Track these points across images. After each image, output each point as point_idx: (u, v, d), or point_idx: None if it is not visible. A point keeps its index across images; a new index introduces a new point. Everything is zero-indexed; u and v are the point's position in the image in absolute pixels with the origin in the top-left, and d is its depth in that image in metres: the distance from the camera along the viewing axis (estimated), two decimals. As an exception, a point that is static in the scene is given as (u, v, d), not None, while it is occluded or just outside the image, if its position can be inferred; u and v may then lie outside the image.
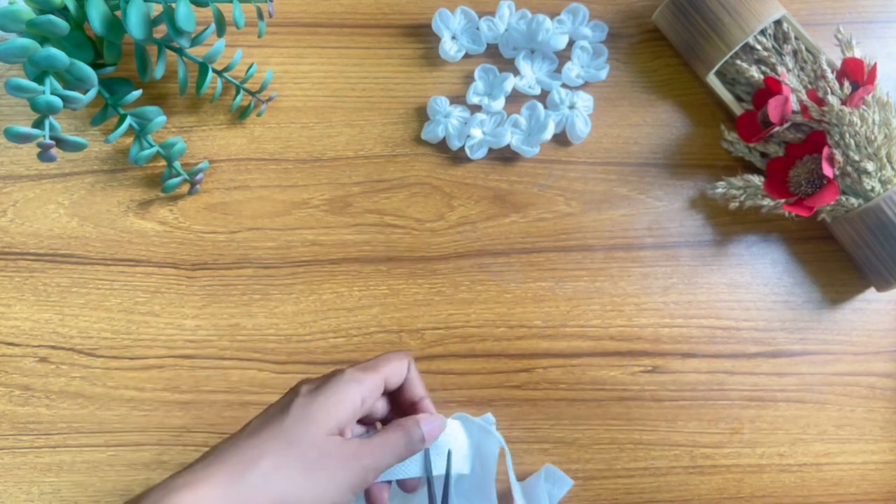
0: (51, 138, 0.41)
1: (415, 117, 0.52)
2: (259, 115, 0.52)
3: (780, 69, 0.49)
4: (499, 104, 0.51)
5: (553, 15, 0.53)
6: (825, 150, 0.46)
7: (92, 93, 0.44)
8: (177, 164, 0.49)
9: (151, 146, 0.48)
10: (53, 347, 0.48)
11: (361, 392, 0.36)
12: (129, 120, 0.47)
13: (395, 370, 0.38)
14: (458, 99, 0.52)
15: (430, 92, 0.52)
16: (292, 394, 0.36)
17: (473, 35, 0.53)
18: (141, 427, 0.48)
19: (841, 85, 0.47)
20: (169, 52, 0.51)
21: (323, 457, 0.34)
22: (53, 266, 0.49)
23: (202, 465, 0.32)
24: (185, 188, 0.50)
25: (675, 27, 0.51)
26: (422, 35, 0.53)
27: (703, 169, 0.52)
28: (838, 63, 0.48)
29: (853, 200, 0.47)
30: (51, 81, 0.41)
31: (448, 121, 0.51)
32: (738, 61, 0.50)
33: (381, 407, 0.40)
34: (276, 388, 0.48)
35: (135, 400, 0.48)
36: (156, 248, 0.50)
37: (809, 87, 0.49)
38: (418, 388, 0.39)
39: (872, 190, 0.46)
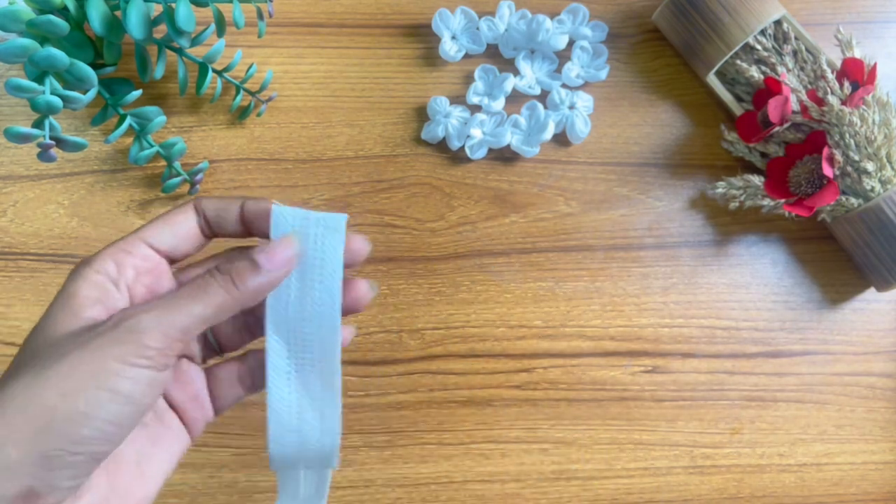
0: (51, 138, 0.41)
1: (415, 117, 0.52)
2: (259, 115, 0.52)
3: (780, 69, 0.49)
4: (499, 104, 0.51)
5: (553, 15, 0.53)
6: (825, 150, 0.46)
7: (92, 93, 0.44)
8: (177, 164, 0.49)
9: (151, 146, 0.48)
10: (53, 347, 0.48)
11: (99, 267, 0.26)
12: (129, 120, 0.47)
13: (165, 225, 0.28)
14: (458, 99, 0.52)
15: (430, 92, 0.52)
16: None
17: (473, 35, 0.53)
18: (141, 427, 0.48)
19: (841, 85, 0.47)
20: (169, 52, 0.51)
21: (56, 354, 0.24)
22: (53, 266, 0.49)
23: None
24: (185, 188, 0.50)
25: (675, 27, 0.51)
26: (422, 35, 0.53)
27: (703, 169, 0.52)
28: (838, 63, 0.48)
29: (853, 200, 0.47)
30: (51, 81, 0.41)
31: (448, 121, 0.51)
32: (738, 61, 0.50)
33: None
34: (276, 388, 0.48)
35: (135, 400, 0.48)
36: (156, 248, 0.50)
37: (809, 87, 0.49)
38: (231, 211, 0.29)
39: (872, 190, 0.46)
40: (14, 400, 0.23)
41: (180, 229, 0.28)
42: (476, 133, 0.51)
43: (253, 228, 0.29)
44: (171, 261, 0.29)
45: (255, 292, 0.27)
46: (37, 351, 0.24)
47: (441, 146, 0.52)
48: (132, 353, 0.23)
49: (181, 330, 0.25)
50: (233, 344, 0.32)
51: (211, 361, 0.31)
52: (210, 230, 0.29)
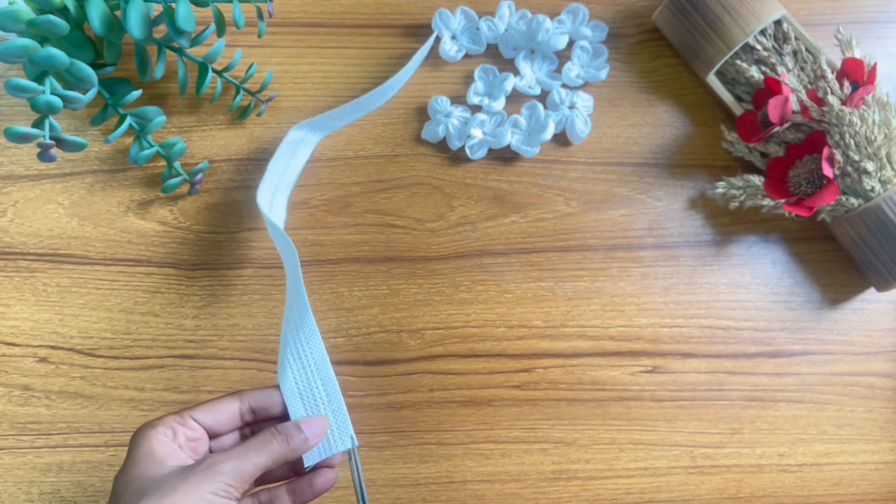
0: (51, 138, 0.41)
1: (415, 117, 0.52)
2: (259, 115, 0.52)
3: (780, 69, 0.49)
4: (499, 104, 0.51)
5: (553, 15, 0.53)
6: (825, 150, 0.46)
7: (92, 93, 0.44)
8: (177, 164, 0.49)
9: (151, 146, 0.48)
10: (53, 347, 0.48)
11: (162, 430, 0.35)
12: (129, 120, 0.47)
13: (209, 410, 0.37)
14: (458, 99, 0.52)
15: (430, 92, 0.52)
16: None
17: (473, 35, 0.53)
18: (141, 427, 0.48)
19: (841, 85, 0.47)
20: (169, 52, 0.51)
21: (168, 488, 0.32)
22: (53, 266, 0.49)
23: None
24: (185, 188, 0.50)
25: (675, 27, 0.51)
26: (422, 35, 0.53)
27: (703, 169, 0.52)
28: (838, 63, 0.48)
29: (853, 200, 0.47)
30: (51, 81, 0.41)
31: (448, 120, 0.51)
32: (738, 61, 0.50)
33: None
34: (276, 388, 0.48)
35: (135, 400, 0.48)
36: (156, 248, 0.50)
37: (809, 87, 0.49)
38: (275, 398, 0.39)
39: (872, 190, 0.46)
40: None
41: (223, 414, 0.38)
42: (476, 133, 0.51)
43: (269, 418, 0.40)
44: (212, 434, 0.38)
45: (299, 450, 0.37)
46: (144, 488, 0.33)
47: (441, 146, 0.52)
48: (219, 489, 0.33)
49: (250, 474, 0.35)
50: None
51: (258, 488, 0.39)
52: (253, 415, 0.39)
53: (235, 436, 0.39)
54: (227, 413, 0.38)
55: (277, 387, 0.39)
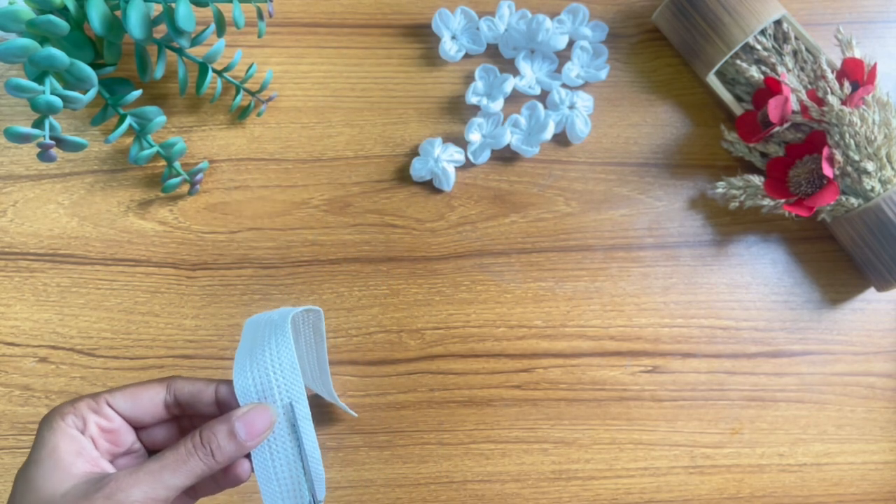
0: (51, 138, 0.41)
1: (415, 117, 0.52)
2: (259, 115, 0.52)
3: (780, 69, 0.49)
4: (497, 105, 0.51)
5: (553, 15, 0.53)
6: (825, 150, 0.46)
7: (92, 93, 0.44)
8: (177, 164, 0.49)
9: (151, 146, 0.48)
10: (53, 347, 0.48)
11: (70, 420, 0.30)
12: (129, 120, 0.47)
13: (129, 397, 0.31)
14: (457, 99, 0.52)
15: (430, 92, 0.52)
16: None
17: (473, 35, 0.53)
18: (141, 427, 0.48)
19: (841, 85, 0.47)
20: (169, 52, 0.50)
21: None
22: (53, 266, 0.49)
23: None
24: (185, 188, 0.50)
25: (675, 27, 0.51)
26: (422, 35, 0.53)
27: (703, 169, 0.52)
28: (838, 63, 0.48)
29: (853, 200, 0.47)
30: (51, 81, 0.41)
31: (437, 165, 0.50)
32: (738, 61, 0.50)
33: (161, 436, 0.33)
34: (276, 388, 0.48)
35: (135, 400, 0.48)
36: (156, 248, 0.50)
37: (809, 87, 0.49)
38: (206, 394, 0.32)
39: (872, 190, 0.46)
40: None
41: (143, 403, 0.32)
42: (475, 137, 0.51)
43: (226, 409, 0.32)
44: (134, 424, 0.32)
45: (231, 460, 0.30)
46: None
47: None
48: None
49: (164, 500, 0.29)
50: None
51: None
52: (180, 409, 0.33)
53: (170, 429, 0.33)
54: (149, 403, 0.32)
55: (212, 380, 0.33)
